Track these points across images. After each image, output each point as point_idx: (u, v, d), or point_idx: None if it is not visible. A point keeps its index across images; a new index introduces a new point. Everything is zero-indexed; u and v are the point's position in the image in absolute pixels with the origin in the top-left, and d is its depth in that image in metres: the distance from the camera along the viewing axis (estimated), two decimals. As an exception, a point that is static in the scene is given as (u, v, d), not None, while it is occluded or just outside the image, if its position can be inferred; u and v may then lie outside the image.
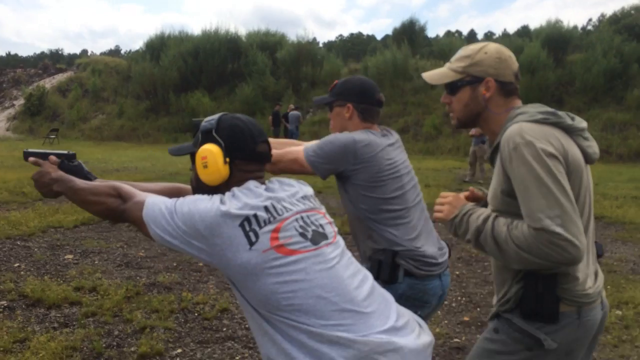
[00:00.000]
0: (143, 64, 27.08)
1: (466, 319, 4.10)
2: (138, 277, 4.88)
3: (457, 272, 5.25)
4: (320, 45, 27.43)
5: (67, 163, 1.73)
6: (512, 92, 1.67)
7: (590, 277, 1.58)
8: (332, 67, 25.10)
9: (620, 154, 17.71)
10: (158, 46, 28.32)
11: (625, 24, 22.15)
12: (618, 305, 4.37)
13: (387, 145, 2.17)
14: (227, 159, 1.47)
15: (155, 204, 1.43)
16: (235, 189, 1.44)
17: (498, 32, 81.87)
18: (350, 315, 1.34)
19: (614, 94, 20.04)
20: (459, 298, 4.59)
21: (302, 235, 1.41)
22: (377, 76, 22.98)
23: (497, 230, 1.47)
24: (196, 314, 4.07)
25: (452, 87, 1.72)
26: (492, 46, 1.68)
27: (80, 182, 1.59)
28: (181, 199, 1.43)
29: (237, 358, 3.37)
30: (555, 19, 28.67)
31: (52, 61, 40.80)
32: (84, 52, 73.67)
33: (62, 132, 25.01)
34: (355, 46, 63.04)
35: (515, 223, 1.46)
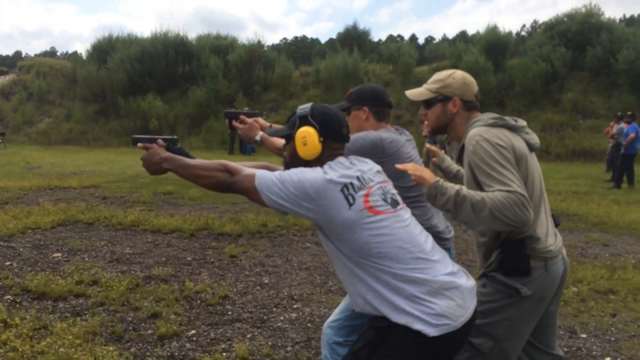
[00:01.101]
0: (89, 66, 26.52)
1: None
2: (133, 271, 5.10)
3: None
4: (265, 48, 27.58)
5: (172, 146, 1.99)
6: (472, 107, 2.24)
7: (550, 237, 2.09)
8: (284, 70, 25.29)
9: (558, 153, 18.91)
10: (105, 48, 27.78)
11: (559, 30, 23.41)
12: (574, 283, 4.97)
13: (405, 141, 2.59)
14: (322, 139, 1.84)
15: (265, 176, 1.77)
16: (330, 163, 1.82)
17: (438, 36, 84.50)
18: (423, 262, 1.75)
19: (550, 97, 21.28)
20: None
21: (384, 200, 1.81)
22: (329, 79, 23.48)
23: (472, 194, 1.90)
24: (199, 301, 4.36)
25: (428, 103, 2.27)
26: (459, 73, 2.25)
27: (189, 160, 1.89)
28: (286, 171, 1.79)
29: (249, 336, 3.71)
30: (492, 24, 29.88)
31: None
32: (18, 53, 70.88)
33: (8, 136, 24.18)
34: (300, 49, 63.25)
35: (488, 192, 1.89)
